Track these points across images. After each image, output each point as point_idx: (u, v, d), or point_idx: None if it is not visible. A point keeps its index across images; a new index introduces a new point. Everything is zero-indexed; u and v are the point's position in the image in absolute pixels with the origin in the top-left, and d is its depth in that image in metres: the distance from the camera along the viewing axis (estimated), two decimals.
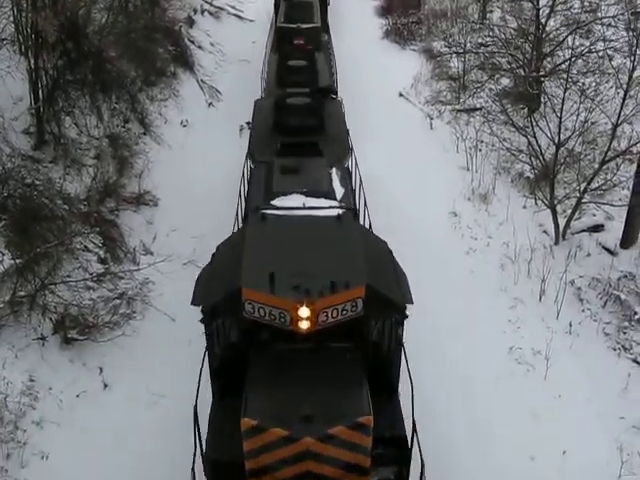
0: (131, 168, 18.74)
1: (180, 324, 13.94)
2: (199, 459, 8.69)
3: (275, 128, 15.55)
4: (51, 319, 12.97)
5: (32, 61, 16.70)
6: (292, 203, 10.78)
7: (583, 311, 14.81)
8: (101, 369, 12.81)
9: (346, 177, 13.73)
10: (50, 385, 12.14)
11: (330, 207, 10.69)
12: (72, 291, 13.52)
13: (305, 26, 23.08)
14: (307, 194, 11.21)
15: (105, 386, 12.57)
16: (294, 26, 22.95)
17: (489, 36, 26.26)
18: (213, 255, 10.52)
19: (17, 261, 12.87)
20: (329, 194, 11.78)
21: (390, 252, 10.49)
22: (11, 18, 17.78)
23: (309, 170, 12.69)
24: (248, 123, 20.71)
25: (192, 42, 27.99)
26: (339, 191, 12.39)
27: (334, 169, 13.29)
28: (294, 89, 16.58)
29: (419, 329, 13.52)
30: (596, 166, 16.87)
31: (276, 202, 10.89)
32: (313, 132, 15.13)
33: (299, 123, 15.18)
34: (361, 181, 14.87)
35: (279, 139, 14.75)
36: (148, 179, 18.46)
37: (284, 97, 16.08)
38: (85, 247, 14.97)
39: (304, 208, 10.58)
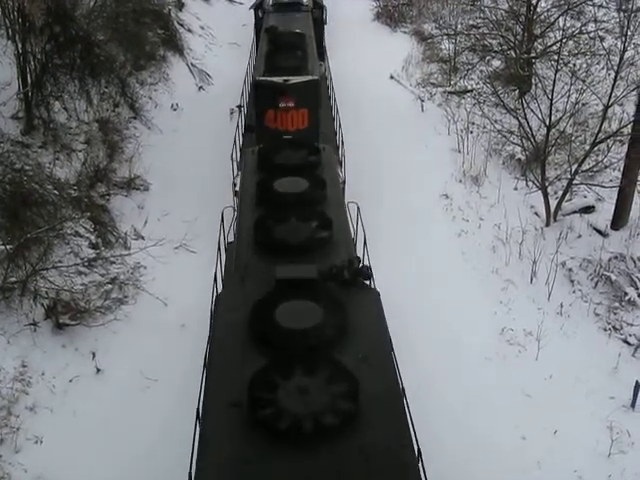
0: (121, 153, 18.65)
1: (172, 308, 13.98)
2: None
3: None
4: (43, 304, 12.94)
5: (20, 45, 16.55)
6: None
7: (574, 292, 14.89)
8: (94, 354, 12.80)
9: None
10: (43, 370, 12.13)
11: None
12: (63, 276, 13.47)
13: (296, 80, 15.97)
14: None
15: (98, 371, 12.56)
16: (279, 80, 15.89)
17: (480, 18, 26.15)
18: None
19: (7, 247, 12.80)
20: None
21: None
22: None
23: None
24: (238, 106, 20.67)
25: (182, 25, 27.80)
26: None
27: None
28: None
29: (410, 311, 13.65)
30: (587, 147, 16.89)
31: None
32: None
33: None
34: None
35: None
36: (139, 163, 18.37)
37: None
38: (76, 232, 14.91)
39: None
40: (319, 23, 23.80)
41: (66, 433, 11.18)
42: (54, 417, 11.51)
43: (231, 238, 12.47)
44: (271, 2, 23.48)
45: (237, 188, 14.13)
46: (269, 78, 16.15)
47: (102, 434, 11.16)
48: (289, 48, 17.77)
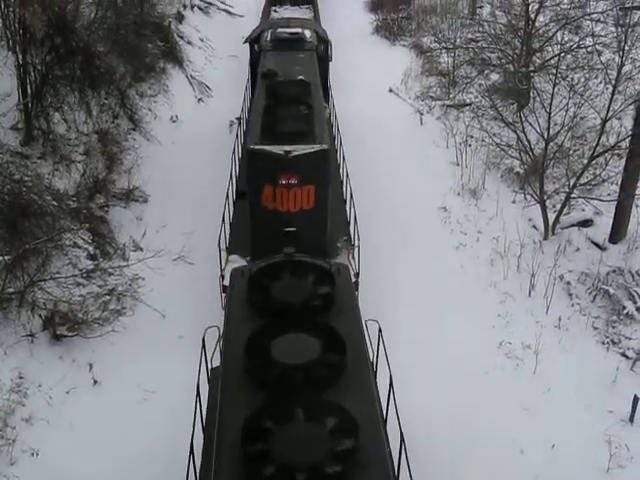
0: (120, 164, 18.68)
1: (170, 320, 13.95)
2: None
3: None
4: (40, 316, 12.92)
5: (20, 57, 16.60)
6: None
7: (572, 306, 14.88)
8: (91, 365, 12.76)
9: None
10: (39, 382, 12.09)
11: None
12: (61, 287, 13.46)
13: (301, 151, 12.75)
14: None
15: (95, 382, 12.52)
16: (279, 152, 12.69)
17: (479, 31, 26.29)
18: None
19: (6, 257, 12.79)
20: None
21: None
22: None
23: None
24: (237, 119, 20.73)
25: (181, 38, 27.92)
26: None
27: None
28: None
29: (409, 323, 13.64)
30: (585, 161, 16.93)
31: None
32: None
33: None
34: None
35: None
36: (138, 175, 18.40)
37: None
38: (74, 243, 14.91)
39: None
40: (323, 60, 20.47)
41: (62, 445, 11.12)
42: (50, 429, 11.45)
43: None
44: (269, 37, 20.37)
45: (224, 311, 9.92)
46: (267, 147, 12.90)
47: (99, 446, 11.11)
48: (291, 102, 14.68)
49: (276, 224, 12.87)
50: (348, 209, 14.98)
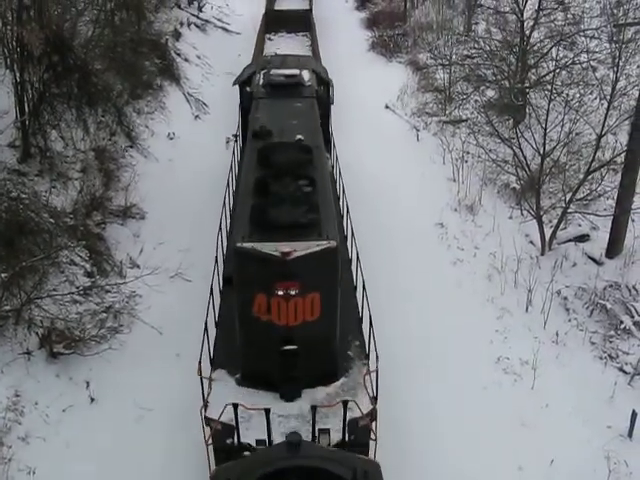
0: (118, 181, 18.70)
1: (167, 337, 13.92)
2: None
3: None
4: (37, 333, 12.89)
5: (18, 74, 16.67)
6: None
7: (569, 321, 14.88)
8: (88, 383, 12.72)
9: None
10: (36, 400, 12.04)
11: None
12: (58, 305, 13.44)
13: (303, 252, 9.99)
14: None
15: (92, 400, 12.48)
16: (276, 253, 9.92)
17: (474, 48, 26.40)
18: None
19: (3, 275, 12.77)
20: None
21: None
22: None
23: None
24: (235, 135, 20.76)
25: (178, 55, 28.05)
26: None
27: None
28: None
29: (406, 339, 13.63)
30: (581, 176, 16.98)
31: None
32: None
33: None
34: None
35: None
36: (135, 192, 18.41)
37: None
38: (71, 261, 14.90)
39: None
40: (324, 104, 17.95)
41: (59, 464, 11.07)
42: (47, 447, 11.40)
43: None
44: (262, 80, 17.43)
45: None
46: (258, 247, 10.00)
47: (95, 465, 11.06)
48: (289, 175, 11.76)
49: (272, 340, 10.20)
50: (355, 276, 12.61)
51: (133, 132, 21.11)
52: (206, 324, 10.76)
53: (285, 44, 32.45)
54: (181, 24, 31.11)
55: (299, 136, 13.42)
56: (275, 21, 34.59)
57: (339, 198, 15.61)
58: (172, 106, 24.16)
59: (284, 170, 11.89)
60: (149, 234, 17.23)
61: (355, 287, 12.58)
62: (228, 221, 14.22)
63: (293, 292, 9.94)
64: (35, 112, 17.19)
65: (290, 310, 10.08)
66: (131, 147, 20.68)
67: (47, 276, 13.90)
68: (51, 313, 13.12)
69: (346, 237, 13.95)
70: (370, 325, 10.73)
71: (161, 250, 16.40)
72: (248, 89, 17.93)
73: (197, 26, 32.75)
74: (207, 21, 33.88)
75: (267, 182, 11.55)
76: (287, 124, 14.31)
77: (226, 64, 28.69)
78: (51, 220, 15.02)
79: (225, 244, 13.47)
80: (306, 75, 17.58)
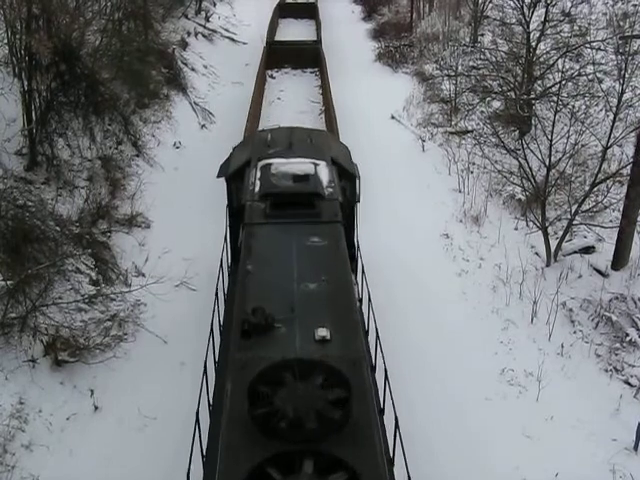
0: (123, 190, 18.77)
1: (172, 346, 13.91)
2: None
3: None
4: (42, 341, 12.89)
5: (26, 83, 16.79)
6: None
7: (575, 333, 14.82)
8: (92, 391, 12.71)
9: None
10: (40, 407, 12.03)
11: None
12: (63, 313, 13.45)
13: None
14: None
15: (96, 408, 12.45)
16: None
17: (480, 59, 26.53)
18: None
19: (8, 282, 12.81)
20: None
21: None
22: (5, 40, 17.88)
23: None
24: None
25: (185, 64, 28.21)
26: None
27: None
28: None
29: (409, 350, 13.60)
30: (587, 188, 16.96)
31: None
32: None
33: None
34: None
35: None
36: (140, 201, 18.46)
37: None
38: (77, 269, 14.93)
39: None
40: (348, 205, 12.87)
41: (62, 472, 11.04)
42: (50, 455, 11.38)
43: None
44: (258, 181, 12.13)
45: None
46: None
47: (98, 473, 11.03)
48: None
49: None
50: None
51: (139, 141, 21.20)
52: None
53: (291, 84, 29.09)
54: (188, 34, 31.32)
55: (323, 330, 8.32)
56: (278, 54, 30.72)
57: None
58: (178, 115, 24.27)
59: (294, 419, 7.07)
60: (154, 243, 17.26)
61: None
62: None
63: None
64: (42, 120, 17.29)
65: None
66: (137, 156, 20.78)
67: (52, 284, 13.93)
68: (56, 321, 13.13)
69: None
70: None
71: (166, 259, 16.41)
72: (240, 197, 12.42)
73: (204, 36, 32.97)
74: (214, 31, 34.11)
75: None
76: (300, 289, 9.29)
77: (233, 74, 28.87)
78: (57, 228, 15.08)
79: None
80: (324, 174, 12.37)
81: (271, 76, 29.98)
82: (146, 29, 25.63)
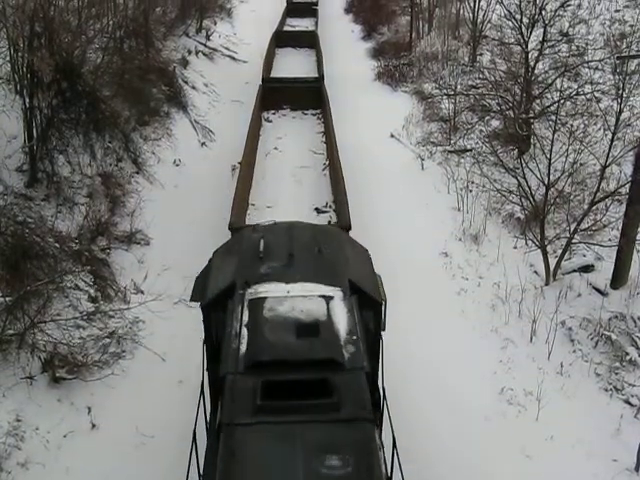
0: (123, 207, 18.79)
1: (170, 364, 13.87)
2: None
3: None
4: (40, 358, 12.85)
5: (27, 100, 16.86)
6: None
7: (574, 352, 14.77)
8: (89, 409, 12.65)
9: None
10: (37, 425, 11.96)
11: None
12: (62, 330, 13.41)
13: None
14: None
15: (93, 426, 12.39)
16: None
17: (479, 78, 26.65)
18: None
19: (7, 299, 12.79)
20: None
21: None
22: (7, 58, 17.99)
23: None
24: (240, 163, 20.86)
25: (186, 82, 28.34)
26: None
27: None
28: None
29: (408, 368, 13.55)
30: (586, 207, 16.99)
31: None
32: None
33: None
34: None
35: None
36: (140, 218, 18.47)
37: None
38: (76, 285, 14.91)
39: None
40: (371, 337, 9.63)
41: None
42: (46, 474, 11.29)
43: None
44: (244, 342, 8.42)
45: None
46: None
47: None
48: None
49: None
50: None
51: (139, 158, 21.25)
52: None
53: (290, 129, 25.58)
54: (189, 52, 31.50)
55: None
56: (275, 93, 27.16)
57: None
58: (179, 133, 24.35)
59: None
60: (153, 260, 17.24)
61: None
62: None
63: None
64: (43, 137, 17.34)
65: None
66: (137, 173, 20.82)
67: (51, 301, 13.90)
68: (54, 338, 13.09)
69: None
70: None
71: (165, 276, 16.39)
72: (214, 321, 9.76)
73: (205, 54, 33.15)
74: (215, 49, 34.30)
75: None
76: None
77: (233, 92, 28.99)
78: (56, 245, 15.08)
79: None
80: (341, 317, 8.74)
81: (267, 119, 26.82)
82: (147, 47, 25.76)
